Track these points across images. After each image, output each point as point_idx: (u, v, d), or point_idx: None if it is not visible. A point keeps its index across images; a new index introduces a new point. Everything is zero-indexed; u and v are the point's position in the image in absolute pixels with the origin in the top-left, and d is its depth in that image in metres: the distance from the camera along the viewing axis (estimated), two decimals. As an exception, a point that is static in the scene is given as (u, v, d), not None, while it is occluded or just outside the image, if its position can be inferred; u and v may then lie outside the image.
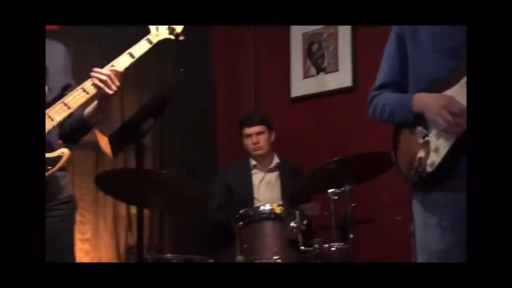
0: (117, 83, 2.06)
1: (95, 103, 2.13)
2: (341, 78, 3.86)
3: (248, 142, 3.59)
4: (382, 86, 2.02)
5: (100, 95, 2.08)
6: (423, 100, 1.86)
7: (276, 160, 3.65)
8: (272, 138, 3.63)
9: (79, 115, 2.14)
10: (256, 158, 3.62)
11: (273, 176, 3.62)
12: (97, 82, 2.04)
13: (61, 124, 2.11)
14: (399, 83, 1.98)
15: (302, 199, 3.46)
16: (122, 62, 2.10)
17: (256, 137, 3.56)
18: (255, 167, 3.63)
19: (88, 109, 2.14)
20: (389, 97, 1.98)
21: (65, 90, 2.12)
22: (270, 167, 3.63)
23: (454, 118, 1.76)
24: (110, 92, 2.05)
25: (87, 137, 2.26)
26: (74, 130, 2.16)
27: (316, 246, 2.80)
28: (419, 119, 1.88)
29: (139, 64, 2.18)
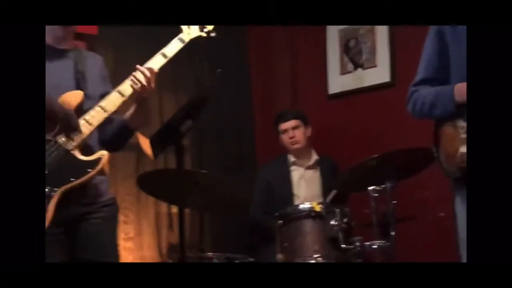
0: (153, 85, 2.09)
1: (133, 107, 2.16)
2: (379, 73, 3.82)
3: (285, 138, 3.59)
4: (422, 82, 2.00)
5: (136, 97, 2.11)
6: (464, 89, 1.83)
7: (315, 156, 3.64)
8: (309, 133, 3.62)
9: (120, 122, 2.17)
10: (294, 154, 3.62)
11: (313, 173, 3.61)
12: (134, 84, 2.06)
13: (102, 131, 2.15)
14: (439, 79, 1.95)
15: (342, 197, 3.44)
16: (156, 62, 2.12)
17: (292, 131, 3.56)
18: (294, 163, 3.63)
19: (128, 113, 2.17)
20: (429, 90, 1.96)
21: (103, 98, 2.16)
22: (309, 164, 3.62)
23: None
24: (145, 94, 2.08)
25: (129, 139, 2.29)
26: (117, 136, 2.19)
27: (357, 244, 2.78)
28: (460, 111, 1.84)
29: (175, 65, 2.20)
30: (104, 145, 2.17)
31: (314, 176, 3.61)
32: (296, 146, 3.57)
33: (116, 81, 2.21)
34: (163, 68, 2.15)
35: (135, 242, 3.55)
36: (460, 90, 1.85)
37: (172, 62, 2.19)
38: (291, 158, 3.63)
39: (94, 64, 2.20)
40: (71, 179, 1.97)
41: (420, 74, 2.02)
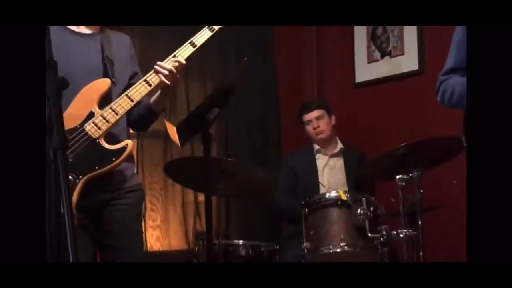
0: (177, 75, 2.12)
1: (159, 92, 2.20)
2: (407, 61, 3.78)
3: (309, 128, 3.59)
4: (451, 71, 1.97)
5: (162, 86, 2.14)
6: None
7: (339, 145, 3.63)
8: (333, 122, 3.62)
9: (146, 104, 2.22)
10: (319, 143, 3.62)
11: (337, 161, 3.61)
12: (160, 76, 2.09)
13: (129, 113, 2.18)
14: (469, 67, 1.92)
15: (367, 185, 3.43)
16: (184, 52, 2.14)
17: (316, 121, 3.56)
18: (319, 151, 3.63)
19: (153, 98, 2.22)
20: (458, 81, 1.93)
21: (132, 79, 2.20)
22: (334, 152, 3.61)
23: None
24: (170, 83, 2.11)
25: (156, 127, 2.33)
26: (142, 118, 2.24)
27: (384, 233, 2.77)
28: None
29: (202, 54, 2.22)
30: (130, 125, 2.24)
31: (338, 164, 3.60)
32: (321, 136, 3.57)
33: (143, 68, 2.24)
34: (190, 57, 2.17)
35: (162, 230, 3.59)
36: None
37: (200, 51, 2.20)
38: (316, 147, 3.63)
39: (121, 44, 2.23)
40: (96, 167, 2.00)
41: (449, 63, 1.99)
